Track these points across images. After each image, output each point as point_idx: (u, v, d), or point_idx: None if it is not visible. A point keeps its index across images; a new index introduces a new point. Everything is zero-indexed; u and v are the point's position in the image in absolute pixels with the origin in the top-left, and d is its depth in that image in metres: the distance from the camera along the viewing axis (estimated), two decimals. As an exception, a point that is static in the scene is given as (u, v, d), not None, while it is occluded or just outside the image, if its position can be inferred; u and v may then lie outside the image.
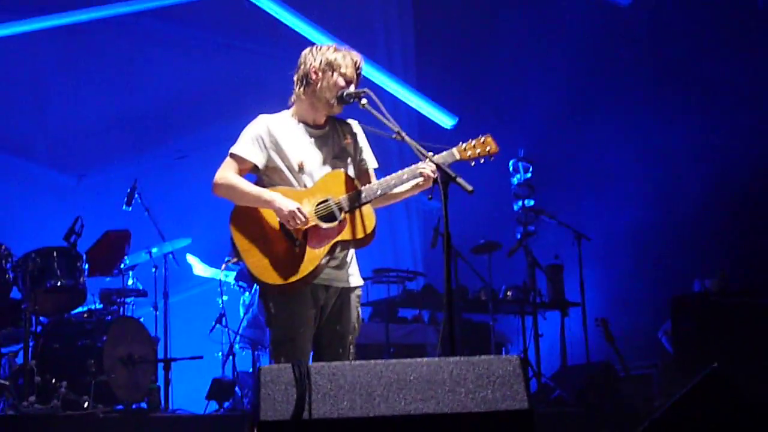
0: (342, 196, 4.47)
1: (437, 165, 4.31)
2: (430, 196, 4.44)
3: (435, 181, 4.33)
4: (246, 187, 4.51)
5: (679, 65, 11.20)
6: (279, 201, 4.40)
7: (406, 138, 4.38)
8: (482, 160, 4.57)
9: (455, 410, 3.40)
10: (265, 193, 4.45)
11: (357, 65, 4.65)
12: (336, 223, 4.43)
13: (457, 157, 4.52)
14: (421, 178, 4.49)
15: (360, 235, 4.47)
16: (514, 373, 3.47)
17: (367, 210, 4.50)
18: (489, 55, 12.17)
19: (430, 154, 4.39)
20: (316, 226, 4.43)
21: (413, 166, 4.50)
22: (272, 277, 4.40)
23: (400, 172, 4.50)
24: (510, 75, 12.00)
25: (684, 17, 11.18)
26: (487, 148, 4.58)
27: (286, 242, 4.42)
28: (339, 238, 4.43)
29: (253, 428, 3.45)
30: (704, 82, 10.92)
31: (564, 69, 11.68)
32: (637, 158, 11.43)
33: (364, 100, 4.52)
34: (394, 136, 4.52)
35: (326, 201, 4.46)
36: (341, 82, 4.57)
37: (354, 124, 4.78)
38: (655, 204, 11.10)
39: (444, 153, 4.51)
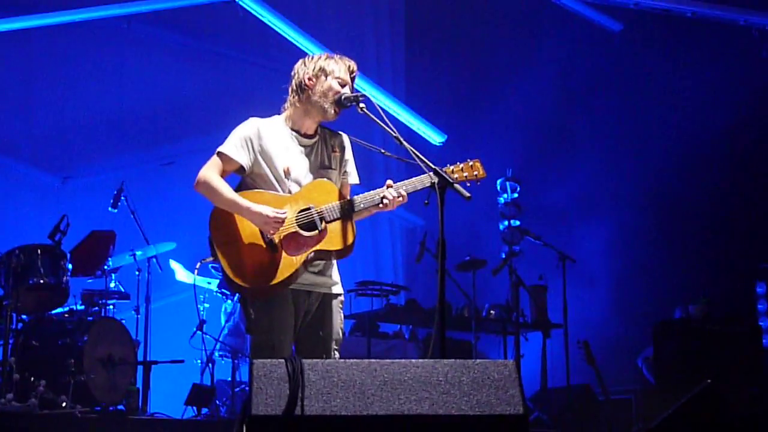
0: (324, 206, 4.43)
1: (436, 170, 4.28)
2: (426, 202, 4.40)
3: (433, 186, 4.29)
4: (224, 191, 4.41)
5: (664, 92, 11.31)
6: (253, 209, 4.33)
7: (405, 143, 4.36)
8: (468, 184, 4.58)
9: (449, 412, 3.37)
10: (241, 201, 4.38)
11: (351, 70, 4.62)
12: (316, 232, 4.40)
13: None
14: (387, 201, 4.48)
15: (339, 246, 4.44)
16: (509, 377, 3.46)
17: (348, 222, 4.47)
18: (480, 74, 12.23)
19: (428, 161, 4.38)
20: (295, 233, 4.38)
21: (390, 188, 4.49)
22: (246, 280, 4.34)
23: (380, 189, 4.49)
24: (501, 94, 12.04)
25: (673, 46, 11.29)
26: (475, 173, 4.61)
27: (264, 247, 4.36)
28: (317, 247, 4.39)
29: (243, 423, 3.40)
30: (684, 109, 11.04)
31: (554, 91, 11.73)
32: (622, 182, 11.49)
33: (362, 105, 4.49)
34: (383, 151, 4.52)
35: (308, 209, 4.41)
36: (336, 86, 4.53)
37: (345, 137, 4.75)
38: (640, 229, 11.14)
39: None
